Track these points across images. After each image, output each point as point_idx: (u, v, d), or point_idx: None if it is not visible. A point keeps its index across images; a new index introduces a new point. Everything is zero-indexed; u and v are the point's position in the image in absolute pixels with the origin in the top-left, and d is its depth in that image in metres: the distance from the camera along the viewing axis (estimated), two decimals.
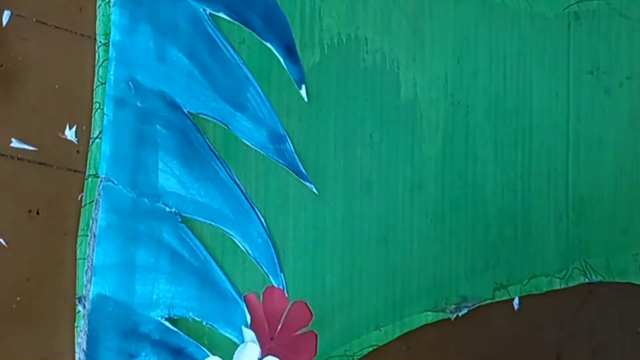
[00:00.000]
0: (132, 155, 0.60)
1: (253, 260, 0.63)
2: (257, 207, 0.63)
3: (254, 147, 0.63)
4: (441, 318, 0.67)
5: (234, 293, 0.62)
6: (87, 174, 0.60)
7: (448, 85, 0.68)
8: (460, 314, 0.67)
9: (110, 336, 0.59)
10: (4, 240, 0.59)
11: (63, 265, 0.60)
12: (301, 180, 0.65)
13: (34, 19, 0.60)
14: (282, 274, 0.64)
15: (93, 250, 0.59)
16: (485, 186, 0.68)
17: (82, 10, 0.61)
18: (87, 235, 0.59)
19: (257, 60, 0.63)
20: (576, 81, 0.70)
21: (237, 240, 0.62)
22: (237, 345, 0.62)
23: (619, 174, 0.70)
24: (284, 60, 0.64)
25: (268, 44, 0.63)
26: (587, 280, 0.69)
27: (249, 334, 0.61)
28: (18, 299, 0.59)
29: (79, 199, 0.60)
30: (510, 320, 0.69)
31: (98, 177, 0.59)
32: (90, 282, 0.59)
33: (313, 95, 0.65)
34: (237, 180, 0.62)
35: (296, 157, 0.65)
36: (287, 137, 0.64)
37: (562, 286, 0.69)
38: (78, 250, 0.60)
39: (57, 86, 0.60)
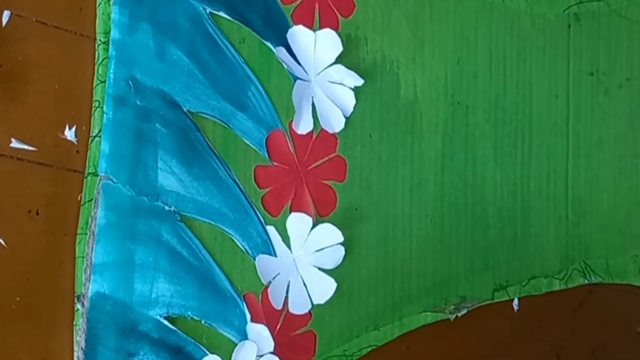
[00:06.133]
0: (131, 153, 0.60)
1: (252, 259, 0.62)
2: (256, 207, 0.63)
3: (254, 147, 0.63)
4: (440, 318, 0.67)
5: (233, 292, 0.62)
6: (86, 172, 0.60)
7: (448, 85, 0.68)
8: (459, 315, 0.67)
9: (109, 335, 0.59)
10: (3, 240, 0.59)
11: (63, 266, 0.60)
12: None
13: (34, 19, 0.60)
14: None
15: (92, 248, 0.59)
16: (485, 187, 0.68)
17: (82, 10, 0.61)
18: (86, 234, 0.59)
19: (256, 60, 0.63)
20: (576, 82, 0.70)
21: (236, 239, 0.62)
22: (235, 345, 0.62)
23: (618, 175, 0.70)
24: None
25: (268, 44, 0.63)
26: (586, 281, 0.69)
27: (254, 329, 0.61)
28: (18, 299, 0.59)
29: (79, 199, 0.60)
30: (509, 321, 0.69)
31: (97, 175, 0.59)
32: (89, 281, 0.59)
33: None
34: (236, 180, 0.62)
35: None
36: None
37: (562, 287, 0.69)
38: (77, 249, 0.60)
39: (57, 86, 0.60)
